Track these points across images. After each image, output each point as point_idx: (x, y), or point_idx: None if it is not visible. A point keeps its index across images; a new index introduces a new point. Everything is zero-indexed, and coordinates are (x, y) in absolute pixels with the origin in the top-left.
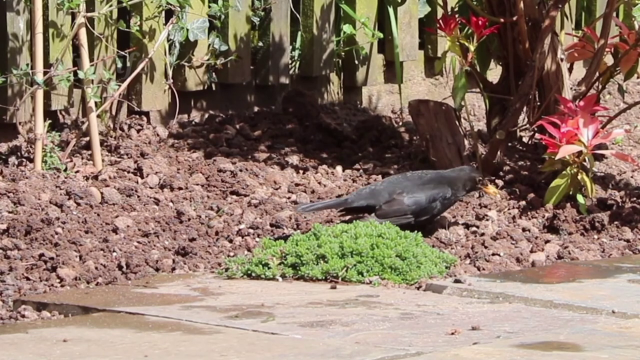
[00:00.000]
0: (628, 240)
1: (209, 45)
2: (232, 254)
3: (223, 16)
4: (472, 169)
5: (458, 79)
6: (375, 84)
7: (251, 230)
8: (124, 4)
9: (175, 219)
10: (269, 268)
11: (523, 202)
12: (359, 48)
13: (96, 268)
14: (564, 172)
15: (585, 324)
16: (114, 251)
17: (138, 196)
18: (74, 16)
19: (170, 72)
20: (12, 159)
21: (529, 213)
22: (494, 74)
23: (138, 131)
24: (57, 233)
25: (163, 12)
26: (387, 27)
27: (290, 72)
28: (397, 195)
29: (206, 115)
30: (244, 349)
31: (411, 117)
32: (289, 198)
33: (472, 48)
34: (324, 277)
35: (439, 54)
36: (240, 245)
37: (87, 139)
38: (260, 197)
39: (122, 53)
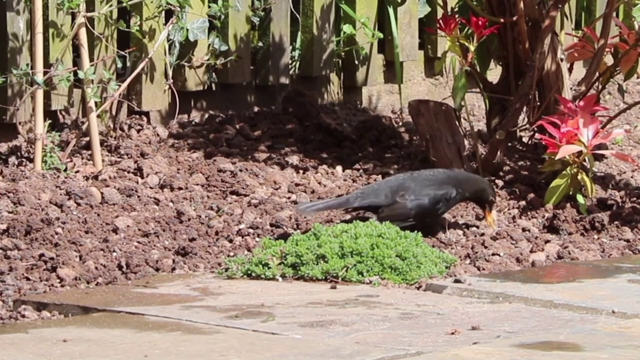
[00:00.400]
0: (628, 240)
1: (209, 45)
2: (232, 254)
3: (223, 16)
4: (490, 186)
5: (458, 79)
6: (375, 84)
7: (251, 230)
8: (124, 4)
9: (175, 219)
10: (269, 268)
11: (523, 202)
12: (359, 48)
13: (96, 268)
14: (564, 172)
15: (585, 324)
16: (114, 251)
17: (138, 196)
18: (74, 16)
19: (170, 72)
20: (12, 159)
21: (529, 213)
22: (494, 74)
23: (138, 131)
24: (57, 233)
25: (163, 12)
26: (387, 27)
27: (290, 72)
28: (400, 198)
29: (206, 115)
30: (244, 349)
31: (411, 117)
32: (289, 198)
33: (472, 48)
34: (324, 277)
35: (439, 54)
36: (240, 245)
37: (87, 139)
38: (260, 197)
39: (122, 53)
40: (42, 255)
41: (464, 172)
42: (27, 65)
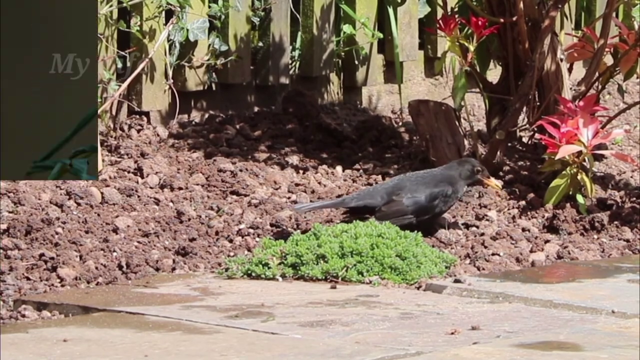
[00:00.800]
0: (628, 240)
1: (209, 45)
2: (232, 254)
3: (223, 16)
4: (469, 160)
5: (458, 79)
6: (375, 84)
7: (251, 230)
8: (124, 4)
9: (175, 219)
10: (269, 268)
11: (523, 202)
12: (359, 48)
13: (96, 268)
14: (563, 172)
15: (585, 324)
16: (114, 251)
17: (138, 196)
18: None
19: (170, 72)
20: None
21: (528, 213)
22: (494, 74)
23: (138, 131)
24: (57, 233)
25: (163, 12)
26: (387, 27)
27: (290, 72)
28: (396, 197)
29: (206, 115)
30: (244, 349)
31: (411, 117)
32: (289, 198)
33: (472, 48)
34: (324, 277)
35: (439, 54)
36: (240, 245)
37: None
38: (260, 197)
39: (122, 53)
40: (42, 255)
41: (448, 167)
42: None
